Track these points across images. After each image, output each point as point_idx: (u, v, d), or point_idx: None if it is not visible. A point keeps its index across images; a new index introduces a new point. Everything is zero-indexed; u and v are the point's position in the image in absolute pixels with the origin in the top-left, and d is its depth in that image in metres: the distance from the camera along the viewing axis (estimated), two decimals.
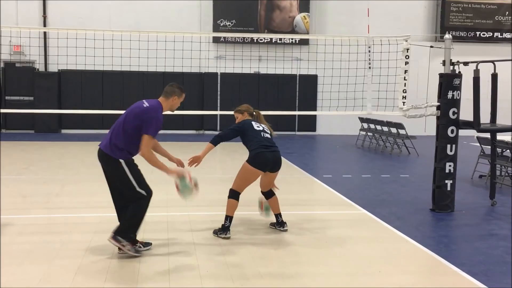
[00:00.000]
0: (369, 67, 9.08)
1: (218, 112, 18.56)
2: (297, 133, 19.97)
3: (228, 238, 6.26)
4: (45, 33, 18.28)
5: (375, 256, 5.83)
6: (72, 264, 5.30)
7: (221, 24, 19.32)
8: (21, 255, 5.55)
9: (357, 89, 11.75)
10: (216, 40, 19.19)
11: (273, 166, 6.52)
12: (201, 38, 17.78)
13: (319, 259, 5.72)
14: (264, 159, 6.39)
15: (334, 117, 19.30)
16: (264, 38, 19.17)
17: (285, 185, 9.99)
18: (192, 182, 5.72)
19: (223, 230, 6.35)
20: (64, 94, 18.68)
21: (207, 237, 6.42)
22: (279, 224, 6.76)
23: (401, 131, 14.85)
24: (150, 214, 7.32)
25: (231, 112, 7.03)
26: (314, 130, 20.18)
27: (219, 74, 19.36)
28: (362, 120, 16.94)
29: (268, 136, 6.78)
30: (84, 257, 5.53)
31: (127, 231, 5.55)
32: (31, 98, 18.32)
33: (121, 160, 5.51)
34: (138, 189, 5.56)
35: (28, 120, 18.14)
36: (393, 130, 15.24)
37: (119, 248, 5.50)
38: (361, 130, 17.12)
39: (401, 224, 7.23)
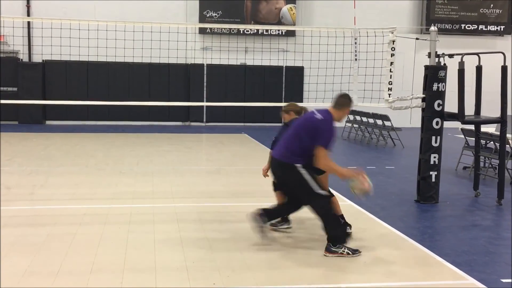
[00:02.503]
0: (356, 59, 9.09)
1: (204, 104, 18.52)
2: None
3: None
4: (28, 22, 18.03)
5: (360, 246, 5.86)
6: (57, 256, 5.27)
7: (208, 15, 19.23)
8: (6, 247, 5.51)
9: (343, 81, 11.77)
10: (202, 31, 19.10)
11: None
12: (187, 29, 17.69)
13: (303, 251, 5.74)
14: None
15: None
16: (250, 29, 19.11)
17: (271, 177, 10.00)
18: (366, 182, 5.76)
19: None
20: (49, 84, 18.49)
21: (193, 229, 6.41)
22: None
23: (387, 123, 14.92)
24: (136, 206, 7.32)
25: (217, 104, 7.07)
26: None
27: (205, 65, 19.28)
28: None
29: None
30: (70, 249, 5.50)
31: (336, 237, 5.57)
32: (15, 89, 18.10)
33: (298, 165, 5.53)
34: (318, 191, 5.57)
35: (12, 111, 17.92)
36: (379, 122, 15.31)
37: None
38: (347, 122, 17.17)
39: (386, 215, 7.29)
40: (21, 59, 18.53)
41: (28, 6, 18.36)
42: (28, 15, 18.19)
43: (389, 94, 8.64)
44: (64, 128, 16.76)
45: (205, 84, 19.32)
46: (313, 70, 13.37)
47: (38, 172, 9.79)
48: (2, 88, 18.11)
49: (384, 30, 8.89)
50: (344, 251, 5.51)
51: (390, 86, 8.61)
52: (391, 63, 8.54)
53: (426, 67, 8.16)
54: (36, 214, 6.88)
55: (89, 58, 15.34)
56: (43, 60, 18.25)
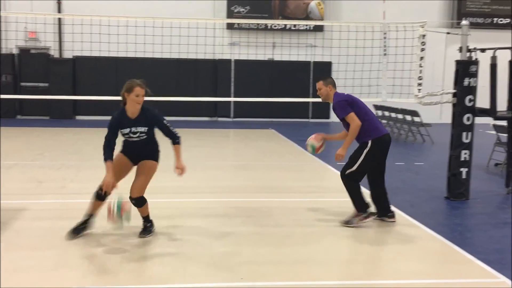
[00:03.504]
0: (385, 54, 8.98)
1: (232, 99, 18.56)
2: (311, 120, 19.91)
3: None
4: (59, 19, 18.34)
5: (388, 243, 5.82)
6: (86, 250, 5.35)
7: (235, 11, 19.24)
8: (36, 240, 5.62)
9: (372, 76, 11.65)
10: (230, 26, 19.13)
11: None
12: (215, 25, 17.73)
13: (332, 246, 5.71)
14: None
15: None
16: (278, 24, 19.07)
17: (298, 172, 10.00)
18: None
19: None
20: (79, 80, 18.77)
21: (220, 224, 6.43)
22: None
23: (416, 119, 14.73)
24: (165, 201, 7.38)
25: (245, 99, 7.06)
26: (328, 117, 20.09)
27: (232, 61, 19.31)
28: (377, 107, 16.82)
29: None
30: (99, 242, 5.58)
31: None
32: (46, 84, 18.43)
33: None
34: None
35: (43, 107, 18.27)
36: (408, 117, 15.12)
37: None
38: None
39: (414, 211, 7.19)
40: (52, 55, 18.84)
41: (59, 3, 18.65)
42: (59, 11, 18.47)
43: (419, 90, 8.51)
44: (94, 123, 16.99)
45: (232, 79, 19.36)
46: (341, 66, 13.29)
47: (69, 166, 9.95)
48: (34, 84, 18.46)
49: (414, 25, 8.76)
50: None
51: (420, 81, 8.49)
52: (421, 58, 8.42)
53: (457, 62, 8.01)
54: (67, 208, 6.99)
55: (118, 54, 15.52)
56: (73, 56, 18.52)
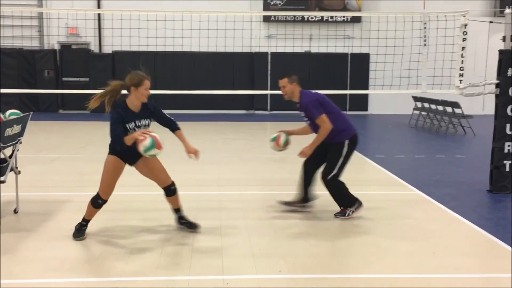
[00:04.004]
0: (425, 44, 8.82)
1: (269, 92, 18.55)
2: (348, 112, 19.72)
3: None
4: (99, 15, 18.65)
5: (429, 236, 5.73)
6: (127, 241, 5.44)
7: (272, 3, 19.19)
8: (89, 229, 5.75)
9: (412, 67, 11.47)
10: (266, 19, 19.10)
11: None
12: (252, 17, 17.73)
13: (371, 240, 5.67)
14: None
15: (387, 96, 18.96)
16: (315, 16, 18.92)
17: None
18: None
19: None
20: (118, 75, 19.03)
21: (258, 216, 6.45)
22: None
23: (457, 110, 14.43)
24: (203, 193, 7.45)
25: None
26: (366, 109, 19.89)
27: (269, 53, 19.28)
28: (416, 99, 16.55)
29: None
30: (140, 234, 5.67)
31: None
32: (87, 79, 18.80)
33: None
34: None
35: (84, 101, 18.56)
36: (449, 109, 14.83)
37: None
38: (414, 109, 16.75)
39: (456, 205, 7.06)
40: (92, 51, 19.19)
41: None
42: (99, 7, 18.78)
43: (460, 80, 8.34)
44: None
45: (269, 72, 19.34)
46: (380, 57, 13.11)
47: None
48: (75, 79, 18.86)
49: (456, 14, 8.56)
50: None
51: (461, 72, 8.31)
52: (463, 48, 8.23)
53: (501, 52, 7.80)
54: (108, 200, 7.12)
55: (157, 48, 15.70)
56: (112, 51, 18.82)
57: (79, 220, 5.62)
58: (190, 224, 5.76)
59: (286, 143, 6.40)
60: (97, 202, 5.49)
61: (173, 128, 5.73)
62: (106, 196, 5.49)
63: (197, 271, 4.73)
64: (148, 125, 5.55)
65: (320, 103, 6.04)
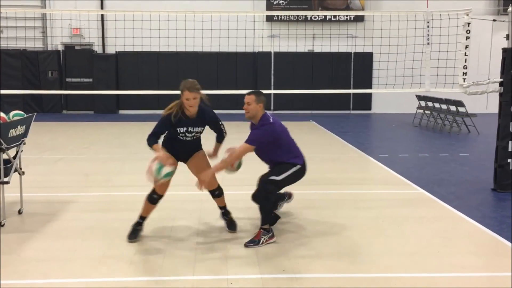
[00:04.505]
0: (428, 43, 8.80)
1: (272, 91, 18.53)
2: (352, 111, 19.71)
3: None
4: (102, 15, 18.68)
5: (433, 235, 5.72)
6: (132, 243, 5.45)
7: (275, 3, 19.18)
8: (86, 231, 5.77)
9: (415, 66, 11.46)
10: (269, 19, 19.10)
11: None
12: (255, 17, 17.73)
13: (375, 238, 5.66)
14: None
15: (390, 95, 18.93)
16: (318, 15, 18.91)
17: (340, 164, 9.93)
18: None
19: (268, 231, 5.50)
20: (122, 75, 19.09)
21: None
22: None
23: (461, 109, 14.40)
24: (206, 193, 7.45)
25: (285, 91, 7.03)
26: (369, 108, 19.86)
27: (272, 53, 19.28)
28: (420, 97, 16.52)
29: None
30: (144, 234, 5.68)
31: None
32: (90, 79, 18.83)
33: None
34: None
35: (87, 101, 18.69)
36: (452, 107, 14.80)
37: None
38: (418, 108, 16.72)
39: (460, 203, 7.05)
40: (96, 51, 19.22)
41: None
42: (102, 8, 18.81)
43: (464, 79, 8.32)
44: (137, 117, 17.27)
45: (272, 71, 19.34)
46: (383, 56, 13.09)
47: (114, 159, 10.15)
48: (78, 79, 18.90)
49: (459, 12, 8.55)
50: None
51: (465, 71, 8.29)
52: (466, 47, 8.22)
53: (504, 50, 7.78)
54: (113, 200, 7.14)
55: (160, 48, 15.70)
56: (116, 52, 18.84)
57: (84, 220, 5.62)
58: (230, 223, 5.86)
59: (239, 166, 5.96)
60: (153, 197, 5.53)
61: (217, 139, 5.92)
62: (162, 191, 5.53)
63: (201, 271, 4.73)
64: (200, 133, 5.62)
65: (272, 137, 5.56)
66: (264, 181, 5.57)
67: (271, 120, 5.64)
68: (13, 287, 4.37)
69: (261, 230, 5.48)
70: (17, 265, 4.80)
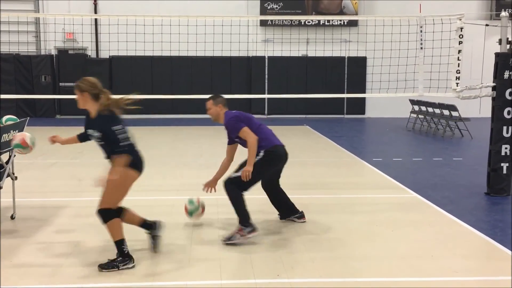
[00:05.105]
0: (421, 48, 8.84)
1: (266, 96, 18.55)
2: (346, 116, 19.75)
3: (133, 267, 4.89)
4: (96, 20, 18.65)
5: (427, 239, 5.73)
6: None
7: (269, 7, 19.22)
8: (77, 236, 5.74)
9: (408, 71, 11.49)
10: (263, 23, 19.13)
11: None
12: (249, 22, 17.74)
13: (369, 242, 5.66)
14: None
15: (384, 100, 18.96)
16: (312, 20, 18.97)
17: (334, 169, 9.94)
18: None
19: (125, 258, 4.88)
20: (115, 79, 19.05)
21: (258, 220, 6.44)
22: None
23: (454, 113, 14.46)
24: (201, 197, 7.43)
25: (279, 96, 7.06)
26: (363, 113, 19.90)
27: (266, 57, 19.30)
28: (413, 102, 16.58)
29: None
30: (139, 237, 5.66)
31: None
32: None
33: None
34: None
35: None
36: (445, 112, 14.85)
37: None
38: (411, 112, 16.78)
39: (454, 208, 7.06)
40: (89, 56, 19.18)
41: (95, 4, 18.96)
42: (95, 12, 18.78)
43: (457, 84, 8.36)
44: (132, 122, 17.20)
45: (266, 76, 19.36)
46: (377, 60, 13.13)
47: (107, 164, 10.09)
48: (72, 84, 18.84)
49: (452, 17, 8.59)
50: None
51: (458, 75, 8.33)
52: (459, 51, 8.26)
53: (497, 55, 7.82)
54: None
55: (153, 52, 15.67)
56: (110, 56, 18.80)
57: (77, 225, 5.58)
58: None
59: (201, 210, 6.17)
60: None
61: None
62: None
63: (194, 276, 4.72)
64: (99, 138, 5.32)
65: (240, 119, 5.76)
66: (225, 182, 5.74)
67: (233, 111, 5.87)
68: None
69: (241, 227, 5.57)
70: (9, 271, 4.77)
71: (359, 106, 19.79)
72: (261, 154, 5.71)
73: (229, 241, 5.50)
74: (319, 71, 19.41)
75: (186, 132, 14.83)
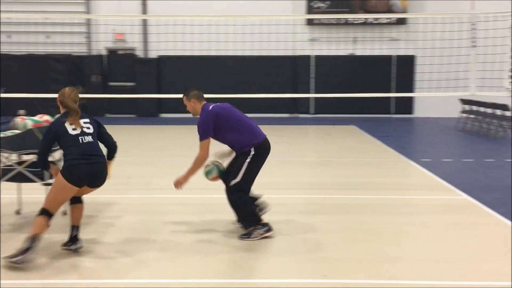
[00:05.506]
0: (473, 46, 8.60)
1: (312, 95, 18.45)
2: (393, 115, 19.43)
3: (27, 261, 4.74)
4: (145, 20, 18.97)
5: (477, 242, 5.57)
6: (172, 243, 5.50)
7: (315, 6, 19.10)
8: (125, 232, 5.84)
9: (460, 69, 11.21)
10: (310, 22, 19.02)
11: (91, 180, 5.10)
12: (295, 21, 17.68)
13: (418, 244, 5.54)
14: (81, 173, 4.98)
15: (433, 99, 18.54)
16: (359, 18, 18.74)
17: (381, 169, 9.78)
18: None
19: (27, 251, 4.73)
20: (163, 79, 19.34)
21: (302, 220, 6.42)
22: (72, 240, 5.17)
23: (507, 113, 13.99)
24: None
25: (325, 95, 7.00)
26: (411, 112, 19.54)
27: (312, 56, 19.19)
28: (464, 101, 16.14)
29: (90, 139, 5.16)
30: (185, 236, 5.72)
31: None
32: (133, 83, 19.15)
33: None
34: None
35: (130, 105, 19.00)
36: (498, 112, 14.40)
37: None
38: (461, 112, 16.35)
39: (507, 210, 6.83)
40: (138, 56, 19.53)
41: (144, 4, 19.27)
42: (144, 13, 19.10)
43: (510, 82, 8.08)
44: (177, 121, 17.45)
45: (312, 75, 19.25)
46: (426, 59, 12.86)
47: (154, 162, 10.28)
48: (121, 83, 19.25)
49: (505, 14, 8.32)
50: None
51: (511, 74, 8.06)
52: None
53: None
54: (153, 203, 7.23)
55: (201, 52, 15.82)
56: (157, 56, 19.10)
57: (125, 222, 5.66)
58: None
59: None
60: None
61: None
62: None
63: (240, 275, 4.72)
64: None
65: (214, 121, 5.56)
66: (227, 191, 5.63)
67: (210, 108, 5.67)
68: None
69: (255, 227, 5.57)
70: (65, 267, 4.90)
71: (407, 105, 19.43)
72: (252, 152, 5.58)
73: (244, 237, 5.53)
74: (366, 70, 19.16)
75: None
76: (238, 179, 5.54)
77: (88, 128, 5.25)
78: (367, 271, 4.81)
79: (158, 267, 4.87)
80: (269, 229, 5.61)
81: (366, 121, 17.75)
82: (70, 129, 5.12)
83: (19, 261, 4.69)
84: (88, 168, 4.98)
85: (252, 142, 5.60)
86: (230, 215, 5.89)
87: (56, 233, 5.60)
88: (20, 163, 6.09)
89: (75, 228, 5.22)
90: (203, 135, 5.56)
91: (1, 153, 5.95)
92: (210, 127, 5.55)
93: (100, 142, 5.34)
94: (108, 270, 4.83)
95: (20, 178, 5.98)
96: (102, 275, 4.71)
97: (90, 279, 4.62)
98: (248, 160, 5.56)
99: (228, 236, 5.73)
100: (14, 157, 6.31)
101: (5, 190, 6.31)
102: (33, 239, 4.78)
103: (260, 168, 5.76)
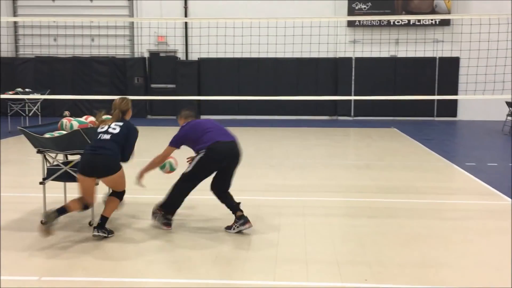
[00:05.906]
0: None
1: (352, 98, 18.29)
2: (436, 118, 19.07)
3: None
4: (186, 23, 19.20)
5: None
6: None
7: (356, 8, 18.94)
8: (165, 231, 5.91)
9: (506, 71, 10.91)
10: (351, 24, 18.87)
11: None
12: (337, 23, 17.57)
13: (461, 250, 5.42)
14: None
15: (477, 102, 18.13)
16: (401, 20, 18.47)
17: (423, 173, 9.61)
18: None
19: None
20: (203, 81, 19.51)
21: (343, 223, 6.36)
22: (97, 227, 5.66)
23: None
24: (287, 199, 7.44)
25: (366, 97, 6.91)
26: (455, 115, 19.13)
27: (353, 58, 19.03)
28: (510, 104, 15.70)
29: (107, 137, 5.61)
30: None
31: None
32: (174, 85, 19.39)
33: None
34: None
35: (171, 107, 19.23)
36: None
37: None
38: (508, 115, 15.90)
39: None
40: (179, 58, 19.77)
41: (186, 7, 19.50)
42: (186, 15, 19.32)
43: None
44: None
45: (353, 77, 19.08)
46: (471, 61, 12.58)
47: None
48: (162, 85, 19.52)
49: None
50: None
51: None
52: None
53: None
54: (197, 204, 7.28)
55: (242, 54, 15.85)
56: (198, 58, 19.29)
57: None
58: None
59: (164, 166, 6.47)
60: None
61: None
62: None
63: (281, 277, 4.72)
64: None
65: (184, 136, 6.14)
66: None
67: (184, 129, 6.20)
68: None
69: (162, 211, 6.01)
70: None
71: (450, 108, 19.04)
72: (204, 151, 5.87)
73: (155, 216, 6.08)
74: (409, 72, 18.87)
75: (271, 133, 14.89)
76: (188, 169, 5.98)
77: (114, 129, 5.68)
78: (409, 275, 4.73)
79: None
80: (168, 224, 5.98)
81: (407, 124, 17.47)
82: (100, 127, 5.73)
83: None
84: (89, 157, 5.48)
85: (207, 144, 5.92)
86: (229, 216, 5.90)
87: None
88: (66, 163, 6.23)
89: (101, 217, 5.65)
90: (171, 142, 6.16)
91: (49, 153, 6.13)
92: (178, 140, 6.14)
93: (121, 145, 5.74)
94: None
95: (66, 177, 6.13)
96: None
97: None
98: (199, 157, 5.89)
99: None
100: (60, 157, 6.46)
101: (50, 189, 6.46)
102: (61, 210, 5.37)
103: (212, 172, 5.98)
